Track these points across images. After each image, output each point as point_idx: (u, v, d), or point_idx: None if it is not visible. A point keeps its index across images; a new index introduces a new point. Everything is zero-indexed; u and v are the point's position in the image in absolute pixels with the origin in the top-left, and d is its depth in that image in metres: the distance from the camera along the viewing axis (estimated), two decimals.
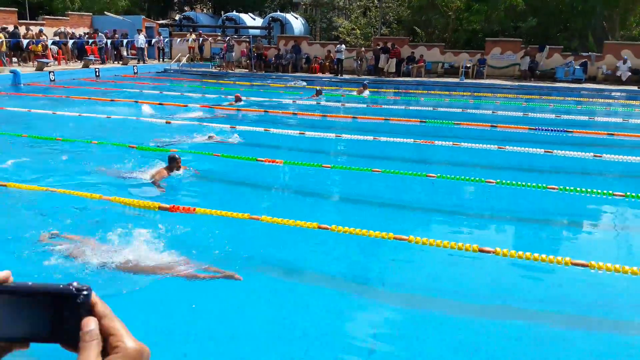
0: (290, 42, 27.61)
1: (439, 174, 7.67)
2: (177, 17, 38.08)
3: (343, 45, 25.03)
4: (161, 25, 31.33)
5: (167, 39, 28.54)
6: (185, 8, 39.43)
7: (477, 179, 7.50)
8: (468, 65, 24.61)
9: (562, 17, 26.36)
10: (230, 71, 25.99)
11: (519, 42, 24.86)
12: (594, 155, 9.34)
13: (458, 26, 26.73)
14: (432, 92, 20.81)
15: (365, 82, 19.64)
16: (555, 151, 9.47)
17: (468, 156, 9.74)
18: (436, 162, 9.53)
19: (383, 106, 16.11)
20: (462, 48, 25.93)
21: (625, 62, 22.98)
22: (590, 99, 19.14)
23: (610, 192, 6.98)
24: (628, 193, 6.94)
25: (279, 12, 32.16)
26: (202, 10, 40.25)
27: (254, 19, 33.36)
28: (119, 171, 7.80)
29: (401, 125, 12.63)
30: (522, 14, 26.15)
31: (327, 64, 26.33)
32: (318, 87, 17.48)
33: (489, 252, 4.87)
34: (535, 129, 12.12)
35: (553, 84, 22.80)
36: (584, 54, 24.19)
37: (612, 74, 23.34)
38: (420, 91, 21.17)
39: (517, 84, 22.44)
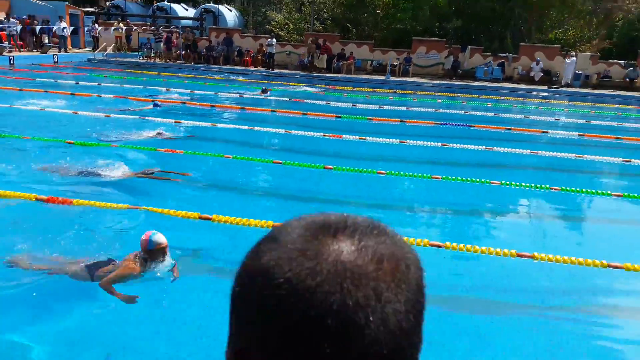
0: (222, 34, 27.38)
1: (335, 166, 8.03)
2: (106, 5, 36.71)
3: (274, 39, 25.11)
4: (87, 13, 30.16)
5: (92, 27, 27.51)
6: None
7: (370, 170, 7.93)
8: (395, 64, 25.39)
9: (484, 19, 27.63)
10: (165, 62, 25.48)
11: (442, 42, 25.89)
12: (486, 148, 10.08)
13: (386, 25, 27.42)
14: (358, 88, 21.32)
15: (264, 87, 17.43)
16: (451, 144, 10.12)
17: (374, 149, 10.18)
18: (344, 156, 9.80)
19: (305, 101, 16.39)
20: (391, 47, 26.65)
21: (538, 63, 24.48)
22: (502, 97, 20.26)
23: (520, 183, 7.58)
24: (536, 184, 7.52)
25: (212, 4, 31.73)
26: None
27: (187, 10, 32.78)
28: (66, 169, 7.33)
29: (316, 120, 13.00)
30: (447, 15, 27.25)
31: (260, 57, 26.35)
32: (264, 87, 17.26)
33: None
34: (441, 124, 12.82)
35: (472, 83, 23.93)
36: (502, 54, 25.54)
37: (526, 74, 24.81)
38: (347, 87, 21.63)
39: (438, 82, 23.40)
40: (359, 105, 15.66)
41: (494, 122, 13.55)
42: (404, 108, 15.36)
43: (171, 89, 16.06)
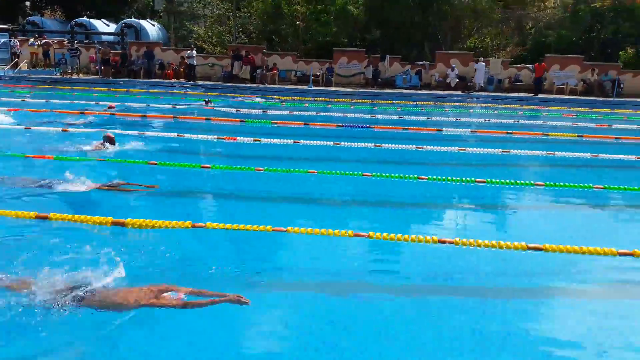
0: (142, 48, 26.92)
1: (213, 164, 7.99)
2: (22, 22, 35.36)
3: (194, 51, 24.91)
4: (0, 30, 28.88)
5: (4, 42, 26.37)
6: (30, 12, 36.74)
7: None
8: (317, 74, 25.79)
9: (403, 30, 28.56)
10: (75, 77, 24.68)
11: (362, 52, 26.55)
12: (375, 145, 10.36)
13: (308, 37, 27.84)
14: (280, 97, 21.41)
15: (207, 99, 18.06)
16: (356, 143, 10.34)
17: (277, 150, 10.32)
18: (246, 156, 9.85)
19: (216, 108, 16.33)
20: (314, 58, 27.05)
21: (453, 69, 25.51)
22: (415, 102, 20.84)
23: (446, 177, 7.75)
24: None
25: (133, 19, 31.19)
26: (54, 15, 37.78)
27: (108, 25, 32.04)
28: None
29: (224, 125, 13.07)
30: (367, 26, 28.02)
31: (182, 70, 26.05)
32: (206, 99, 17.38)
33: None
34: (343, 126, 13.09)
35: (392, 91, 24.61)
36: (420, 63, 26.46)
37: (443, 81, 25.78)
38: (272, 96, 21.64)
39: (357, 90, 23.91)
40: (270, 111, 15.79)
41: (396, 123, 13.98)
42: (313, 113, 15.61)
43: (101, 102, 15.62)
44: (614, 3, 27.56)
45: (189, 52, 24.94)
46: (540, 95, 23.73)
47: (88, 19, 31.33)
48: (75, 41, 27.09)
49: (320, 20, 27.05)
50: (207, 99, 17.45)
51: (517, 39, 32.18)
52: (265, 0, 27.74)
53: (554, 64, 25.78)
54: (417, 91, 24.40)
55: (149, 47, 26.91)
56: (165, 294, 3.78)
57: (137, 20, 31.15)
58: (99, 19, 32.34)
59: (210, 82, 25.13)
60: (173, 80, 25.26)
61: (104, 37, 29.91)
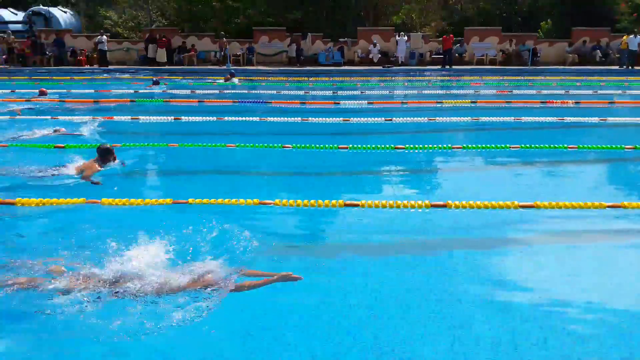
0: (52, 36, 25.44)
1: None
2: None
3: (104, 36, 23.70)
4: None
5: None
6: None
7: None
8: (237, 53, 25.11)
9: (327, 7, 28.15)
10: None
11: (283, 31, 26.01)
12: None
13: (227, 17, 27.07)
14: (198, 77, 20.58)
15: (232, 71, 19.58)
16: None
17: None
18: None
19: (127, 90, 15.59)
20: (234, 38, 26.29)
21: (375, 45, 25.39)
22: (330, 78, 20.52)
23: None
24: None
25: (41, 6, 29.42)
26: None
27: (16, 14, 30.12)
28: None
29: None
30: (291, 4, 27.41)
31: (95, 55, 24.78)
32: (155, 78, 17.03)
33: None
34: (238, 102, 12.73)
35: (315, 68, 24.24)
36: (341, 40, 26.18)
37: (366, 57, 25.65)
38: (190, 77, 20.75)
39: (277, 69, 23.43)
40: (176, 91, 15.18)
41: (294, 98, 13.71)
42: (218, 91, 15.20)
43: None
44: None
45: (99, 37, 23.71)
46: (463, 67, 23.97)
47: None
48: None
49: (241, 0, 26.34)
50: (155, 80, 17.00)
51: (443, 13, 32.45)
52: None
53: (473, 35, 26.10)
54: (339, 67, 24.18)
55: (59, 35, 25.45)
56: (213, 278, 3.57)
57: (45, 7, 29.40)
58: (6, 7, 30.32)
59: (126, 67, 24.03)
60: (87, 67, 24.04)
61: (10, 26, 28.08)
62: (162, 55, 24.36)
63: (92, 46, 25.07)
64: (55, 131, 9.52)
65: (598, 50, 25.37)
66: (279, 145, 8.11)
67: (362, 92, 15.43)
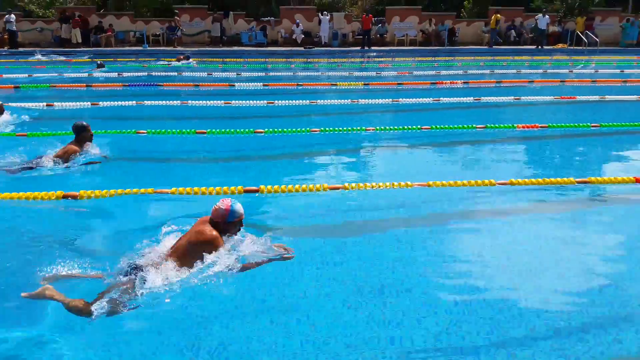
0: None
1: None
2: None
3: (12, 15, 22.65)
4: None
5: None
6: None
7: None
8: (157, 33, 24.64)
9: None
10: None
11: (204, 9, 25.65)
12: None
13: None
14: (118, 59, 20.03)
15: (187, 54, 19.35)
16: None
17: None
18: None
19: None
20: (154, 17, 25.73)
21: (298, 25, 25.45)
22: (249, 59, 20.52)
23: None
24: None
25: None
26: None
27: None
28: None
29: None
30: None
31: (5, 37, 23.67)
32: (99, 61, 16.55)
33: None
34: (129, 85, 12.68)
35: (237, 48, 24.12)
36: (264, 19, 26.07)
37: (289, 37, 25.70)
38: (111, 59, 20.11)
39: (198, 49, 23.18)
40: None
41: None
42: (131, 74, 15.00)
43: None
44: None
45: (7, 16, 22.63)
46: (381, 48, 24.44)
47: None
48: None
49: None
50: (100, 62, 16.51)
51: None
52: None
53: (394, 15, 26.57)
54: (262, 48, 24.16)
55: None
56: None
57: None
58: None
59: (39, 48, 23.10)
60: None
61: None
62: (77, 35, 23.57)
63: (2, 26, 23.92)
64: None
65: (512, 30, 26.48)
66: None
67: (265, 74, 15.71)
